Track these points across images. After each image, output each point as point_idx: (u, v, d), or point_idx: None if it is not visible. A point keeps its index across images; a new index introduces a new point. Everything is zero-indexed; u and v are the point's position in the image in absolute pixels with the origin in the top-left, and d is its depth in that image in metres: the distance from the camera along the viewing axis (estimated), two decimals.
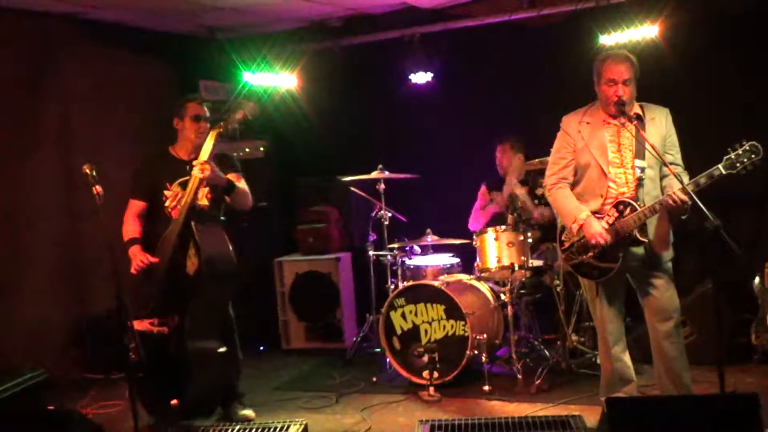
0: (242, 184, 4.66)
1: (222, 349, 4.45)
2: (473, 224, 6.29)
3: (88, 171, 3.96)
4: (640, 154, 4.10)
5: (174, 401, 4.22)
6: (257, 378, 6.01)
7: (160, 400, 4.29)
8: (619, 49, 4.51)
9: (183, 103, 4.67)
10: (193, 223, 4.36)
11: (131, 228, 4.55)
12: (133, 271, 4.42)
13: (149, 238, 4.53)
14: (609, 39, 5.76)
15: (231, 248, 4.54)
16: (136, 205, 4.61)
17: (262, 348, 6.98)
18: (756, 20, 5.69)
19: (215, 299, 4.45)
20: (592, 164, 4.19)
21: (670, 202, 3.86)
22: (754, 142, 3.73)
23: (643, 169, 4.10)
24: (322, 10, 6.40)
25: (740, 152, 3.74)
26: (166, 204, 4.53)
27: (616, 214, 4.07)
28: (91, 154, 5.49)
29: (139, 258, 4.43)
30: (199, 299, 4.32)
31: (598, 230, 4.06)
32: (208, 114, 4.64)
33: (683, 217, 3.90)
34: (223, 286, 4.46)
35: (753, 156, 3.73)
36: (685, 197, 3.79)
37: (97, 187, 3.92)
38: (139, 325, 4.22)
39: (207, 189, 4.52)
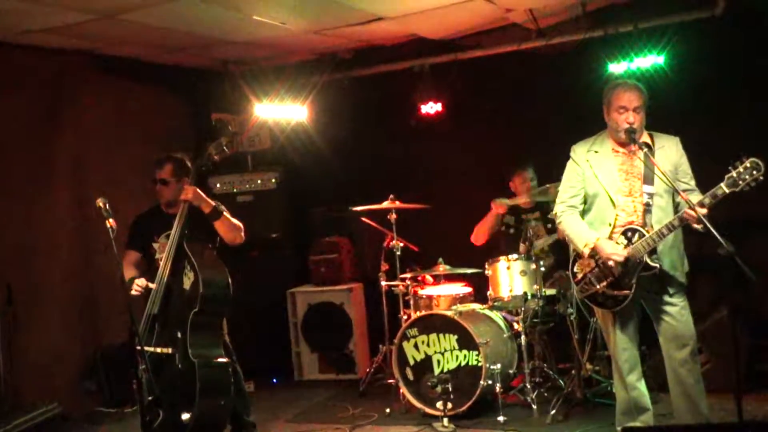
0: (230, 217, 4.77)
1: (223, 359, 4.57)
2: (476, 239, 6.25)
3: (101, 204, 4.06)
4: (648, 180, 4.10)
5: (186, 416, 4.31)
6: (270, 410, 5.98)
7: (170, 423, 4.38)
8: (629, 78, 4.53)
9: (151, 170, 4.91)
10: (186, 244, 4.55)
11: (130, 271, 4.75)
12: (133, 292, 4.54)
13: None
14: (618, 67, 5.79)
15: (225, 268, 4.70)
16: (131, 255, 4.86)
17: (274, 380, 6.96)
18: (761, 47, 5.71)
19: (214, 312, 4.61)
20: (601, 193, 4.19)
21: (677, 223, 3.86)
22: (754, 159, 3.72)
23: (651, 195, 4.09)
24: (333, 43, 6.47)
25: (741, 170, 3.73)
26: (156, 256, 4.73)
27: (625, 242, 4.06)
28: (106, 187, 5.53)
29: (138, 284, 4.59)
30: (198, 312, 4.46)
31: (612, 250, 4.04)
32: (168, 170, 4.80)
33: (699, 228, 3.84)
34: (220, 300, 4.61)
35: (755, 173, 3.71)
36: (694, 214, 3.77)
37: (111, 220, 4.02)
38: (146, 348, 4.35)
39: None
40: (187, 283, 4.54)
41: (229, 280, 4.66)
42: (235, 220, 4.79)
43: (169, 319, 4.55)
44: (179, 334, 4.44)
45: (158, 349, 4.47)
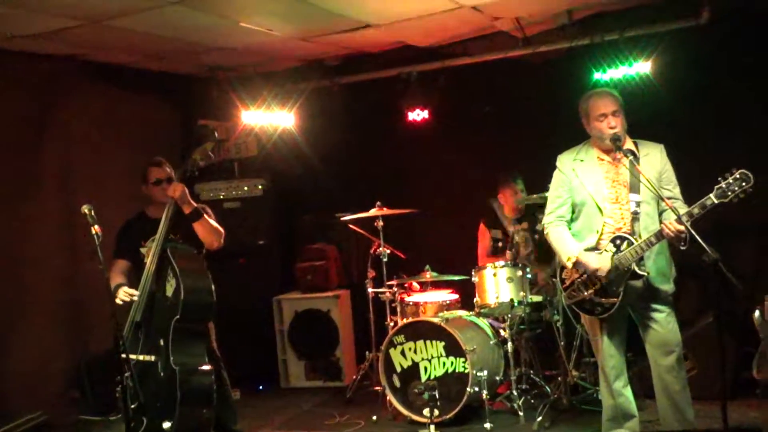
0: (212, 221, 4.77)
1: (206, 367, 4.52)
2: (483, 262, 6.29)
3: (86, 211, 4.04)
4: (635, 188, 4.13)
5: (167, 424, 4.29)
6: (257, 418, 5.96)
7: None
8: (605, 87, 4.62)
9: (144, 169, 4.87)
10: (169, 250, 4.53)
11: (117, 279, 4.74)
12: (117, 301, 4.51)
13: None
14: (603, 75, 5.83)
15: (208, 273, 4.69)
16: (118, 263, 4.84)
17: (261, 387, 6.93)
18: (746, 56, 5.76)
19: (195, 319, 4.57)
20: (588, 201, 4.22)
21: (666, 231, 3.88)
22: (744, 170, 3.75)
23: (638, 203, 4.12)
24: (321, 49, 6.47)
25: (731, 181, 3.76)
26: (145, 261, 4.67)
27: (613, 249, 4.08)
28: (93, 194, 5.50)
29: (123, 292, 4.56)
30: (179, 319, 4.44)
31: (597, 265, 4.07)
32: (169, 170, 4.82)
33: (683, 247, 3.89)
34: (201, 306, 4.58)
35: (744, 184, 3.74)
36: (680, 227, 3.80)
37: (96, 227, 3.98)
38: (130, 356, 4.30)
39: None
40: (169, 290, 4.52)
41: (212, 287, 4.64)
42: (216, 225, 4.77)
43: (152, 326, 4.53)
44: (161, 342, 4.43)
45: (141, 357, 4.44)
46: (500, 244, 6.21)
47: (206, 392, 4.50)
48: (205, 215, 4.71)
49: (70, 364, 6.15)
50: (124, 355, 4.07)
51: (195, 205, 4.68)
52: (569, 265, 4.17)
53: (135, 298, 4.52)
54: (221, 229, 4.80)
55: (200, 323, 4.66)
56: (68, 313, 6.16)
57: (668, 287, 4.16)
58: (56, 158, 6.16)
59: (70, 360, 6.15)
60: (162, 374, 4.39)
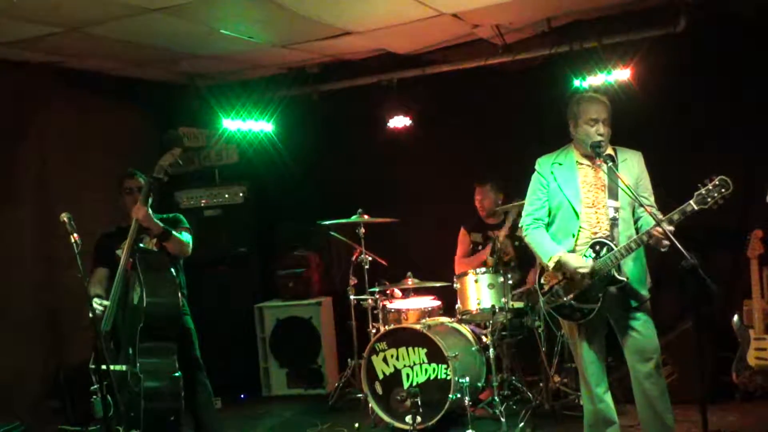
0: (183, 236, 4.78)
1: (175, 374, 4.49)
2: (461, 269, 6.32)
3: (65, 219, 4.02)
4: (613, 194, 4.15)
5: None
6: (238, 427, 5.94)
7: None
8: (594, 91, 4.63)
9: (118, 180, 4.91)
10: (137, 257, 4.53)
11: (96, 288, 4.74)
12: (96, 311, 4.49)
13: None
14: (583, 82, 5.88)
15: (174, 279, 4.67)
16: (98, 271, 4.85)
17: (242, 395, 6.89)
18: (723, 62, 5.82)
19: (160, 326, 4.54)
20: (565, 204, 4.23)
21: (645, 238, 3.90)
22: (723, 177, 3.78)
23: (616, 209, 4.14)
24: (301, 57, 6.47)
25: (710, 187, 3.79)
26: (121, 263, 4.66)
27: (593, 255, 4.10)
28: (69, 201, 5.45)
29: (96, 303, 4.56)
30: (144, 327, 4.41)
31: (577, 264, 4.08)
32: (138, 180, 4.84)
33: (663, 250, 3.91)
34: (165, 313, 4.56)
35: (723, 191, 3.77)
36: (661, 233, 3.83)
37: (75, 235, 3.97)
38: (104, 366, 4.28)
39: (155, 240, 4.76)
40: (135, 298, 4.50)
41: (178, 293, 4.63)
42: (185, 238, 4.78)
43: (122, 335, 4.52)
44: (130, 351, 4.41)
45: (113, 367, 4.38)
46: (480, 248, 6.23)
47: (172, 401, 4.47)
48: (174, 233, 4.69)
49: (47, 374, 6.09)
50: (95, 366, 4.05)
51: (161, 225, 4.65)
52: (550, 266, 4.17)
53: (106, 304, 4.51)
54: (189, 243, 4.82)
55: (168, 330, 4.59)
56: (44, 321, 6.10)
57: (645, 294, 4.18)
58: (31, 167, 6.11)
59: (46, 369, 6.09)
60: (131, 383, 4.37)
